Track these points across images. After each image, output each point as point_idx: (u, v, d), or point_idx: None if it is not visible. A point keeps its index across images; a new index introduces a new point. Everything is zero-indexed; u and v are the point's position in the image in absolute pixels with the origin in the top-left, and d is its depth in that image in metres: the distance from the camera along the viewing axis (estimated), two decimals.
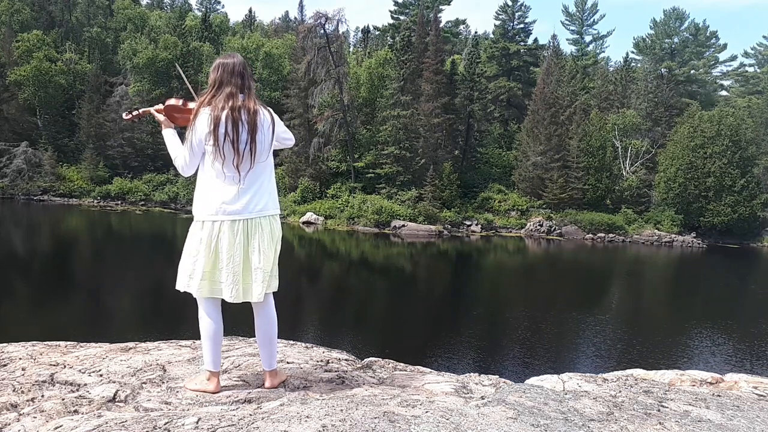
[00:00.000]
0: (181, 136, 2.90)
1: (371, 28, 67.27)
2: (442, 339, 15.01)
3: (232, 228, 2.73)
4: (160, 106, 3.00)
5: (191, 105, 2.90)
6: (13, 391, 2.68)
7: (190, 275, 2.79)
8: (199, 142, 2.73)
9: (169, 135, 2.91)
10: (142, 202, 43.69)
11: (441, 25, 49.03)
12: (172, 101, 2.98)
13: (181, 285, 2.84)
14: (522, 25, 54.76)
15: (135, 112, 3.15)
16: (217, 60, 2.86)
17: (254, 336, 3.04)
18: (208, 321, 2.83)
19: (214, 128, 2.69)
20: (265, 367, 2.93)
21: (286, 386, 2.94)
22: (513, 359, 14.14)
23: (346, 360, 3.57)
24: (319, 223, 38.52)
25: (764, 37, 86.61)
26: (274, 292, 2.95)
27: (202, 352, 2.86)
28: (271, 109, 2.91)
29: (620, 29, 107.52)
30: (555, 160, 40.18)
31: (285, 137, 3.02)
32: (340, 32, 44.22)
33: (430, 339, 15.19)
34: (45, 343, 3.63)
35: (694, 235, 39.66)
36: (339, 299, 20.39)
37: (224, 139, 2.69)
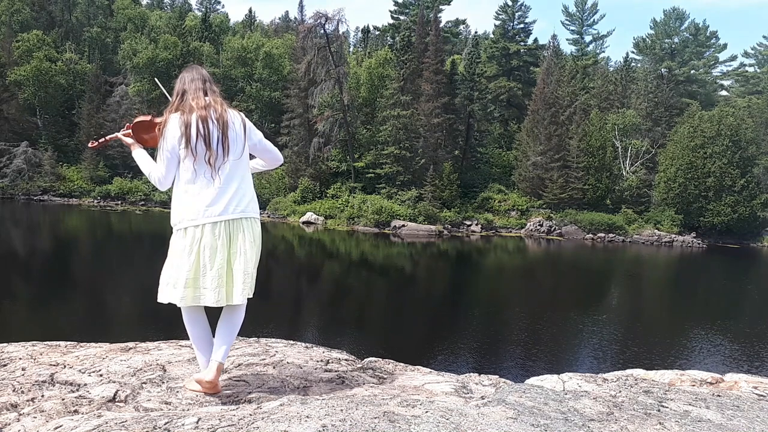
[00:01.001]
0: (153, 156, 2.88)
1: (371, 28, 67.31)
2: (442, 339, 15.01)
3: (214, 231, 2.71)
4: (128, 131, 2.97)
5: (159, 119, 2.89)
6: (13, 391, 2.68)
7: (174, 285, 2.74)
8: (172, 148, 2.72)
9: (139, 154, 2.91)
10: (142, 202, 43.71)
11: (441, 25, 49.03)
12: (140, 117, 2.96)
13: (163, 297, 2.78)
14: (522, 25, 54.80)
15: (101, 140, 3.13)
16: (180, 74, 2.92)
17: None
18: (194, 326, 2.82)
19: (185, 128, 2.70)
20: (221, 358, 2.73)
21: (286, 385, 2.93)
22: (513, 359, 14.14)
23: (346, 360, 3.57)
24: (319, 223, 38.52)
25: (764, 37, 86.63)
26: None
27: (196, 354, 2.86)
28: (242, 114, 2.93)
29: (620, 29, 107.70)
30: (555, 160, 40.18)
31: (264, 148, 2.99)
32: (340, 32, 44.22)
33: (430, 339, 15.18)
34: (45, 343, 3.63)
35: (694, 235, 39.67)
36: (339, 299, 20.38)
37: (196, 137, 2.70)
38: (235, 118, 2.84)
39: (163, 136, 2.74)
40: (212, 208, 2.72)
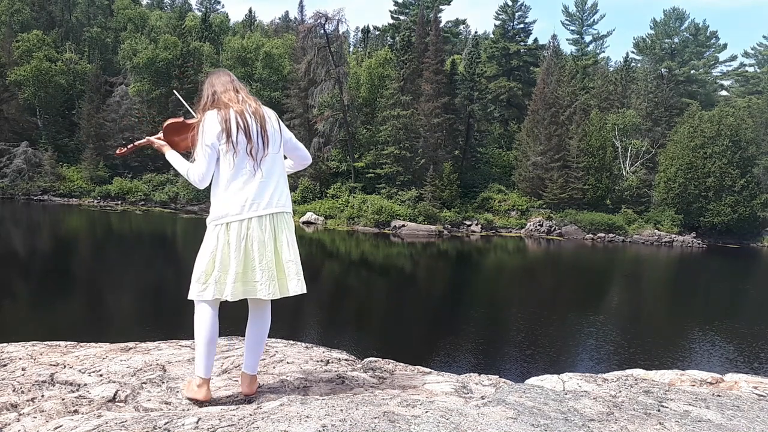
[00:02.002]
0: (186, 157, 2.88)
1: (371, 28, 67.28)
2: (442, 339, 15.01)
3: (260, 224, 2.71)
4: (160, 135, 2.95)
5: (191, 120, 2.89)
6: (13, 391, 2.68)
7: (219, 281, 2.68)
8: (212, 143, 2.70)
9: (172, 155, 2.89)
10: (142, 202, 43.69)
11: (441, 25, 49.03)
12: (170, 120, 2.95)
13: (207, 293, 2.70)
14: (522, 25, 54.80)
15: (130, 146, 3.07)
16: (207, 78, 2.94)
17: None
18: (208, 326, 2.73)
19: (225, 123, 2.70)
20: (249, 370, 2.81)
21: (286, 385, 2.93)
22: (513, 359, 14.14)
23: (346, 360, 3.57)
24: (319, 223, 38.53)
25: (764, 37, 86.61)
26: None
27: (196, 356, 2.75)
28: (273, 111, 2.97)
29: (620, 29, 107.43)
30: (555, 160, 40.18)
31: (298, 148, 3.05)
32: (340, 32, 44.21)
33: (430, 339, 15.19)
34: (45, 343, 3.63)
35: (694, 235, 39.67)
36: (339, 299, 20.38)
37: (237, 130, 2.71)
38: (270, 113, 2.90)
39: (202, 132, 2.72)
40: (257, 201, 2.72)
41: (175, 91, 3.78)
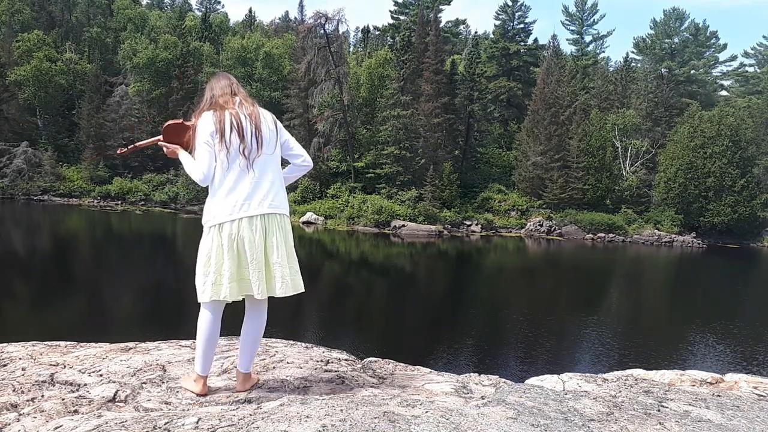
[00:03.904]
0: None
1: (371, 28, 67.30)
2: (442, 339, 15.01)
3: (251, 225, 2.73)
4: (160, 137, 2.97)
5: (190, 122, 2.91)
6: (13, 391, 2.68)
7: (216, 282, 2.73)
8: (206, 141, 2.74)
9: (182, 155, 2.90)
10: (142, 202, 43.69)
11: (441, 25, 49.04)
12: (170, 121, 2.99)
13: (205, 296, 2.75)
14: (522, 25, 54.82)
15: (131, 146, 3.14)
16: (209, 82, 2.98)
17: None
18: (210, 325, 2.80)
19: (219, 123, 2.74)
20: (242, 368, 2.88)
21: (286, 385, 2.94)
22: (513, 359, 14.13)
23: (346, 360, 3.57)
24: (319, 223, 38.53)
25: (764, 37, 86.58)
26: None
27: (195, 354, 2.83)
28: (272, 113, 2.99)
29: (620, 29, 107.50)
30: (555, 160, 40.18)
31: (297, 152, 3.00)
32: (340, 32, 44.21)
33: (430, 339, 15.18)
34: (45, 343, 3.63)
35: (694, 235, 39.68)
36: (339, 299, 20.38)
37: (230, 129, 2.74)
38: (266, 115, 2.91)
39: (198, 133, 2.77)
40: (248, 202, 2.74)
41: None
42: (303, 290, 2.88)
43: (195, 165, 2.78)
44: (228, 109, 2.79)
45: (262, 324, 2.93)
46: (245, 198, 2.74)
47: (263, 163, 2.81)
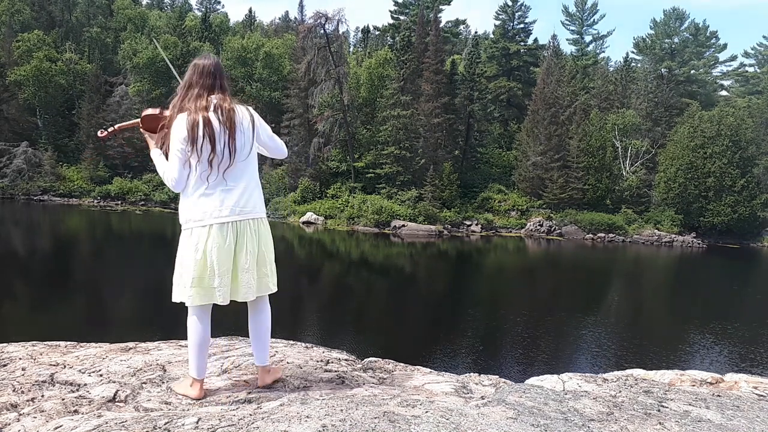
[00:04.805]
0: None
1: (371, 28, 67.29)
2: (442, 339, 15.01)
3: (221, 231, 2.71)
4: (138, 121, 2.99)
5: (166, 113, 2.89)
6: (13, 391, 2.68)
7: (183, 285, 2.75)
8: (180, 149, 2.69)
9: (156, 155, 2.89)
10: (142, 202, 43.69)
11: (441, 25, 49.02)
12: (149, 111, 2.98)
13: (175, 296, 2.80)
14: (522, 25, 54.80)
15: (110, 129, 3.14)
16: (192, 61, 2.89)
17: None
18: (197, 329, 2.78)
19: (191, 129, 2.67)
20: (258, 363, 2.89)
21: (286, 385, 2.93)
22: (513, 359, 14.13)
23: (346, 360, 3.57)
24: (319, 223, 38.52)
25: (764, 37, 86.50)
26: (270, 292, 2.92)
27: (189, 357, 2.80)
28: (251, 108, 2.88)
29: (620, 29, 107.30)
30: (555, 160, 40.18)
31: (273, 145, 2.96)
32: (340, 32, 44.21)
33: (430, 339, 15.18)
34: (45, 343, 3.63)
35: (694, 235, 39.66)
36: (339, 299, 20.38)
37: (203, 138, 2.68)
38: (243, 117, 2.79)
39: (172, 137, 2.73)
40: (219, 209, 2.72)
41: (169, 64, 3.81)
42: (272, 291, 2.87)
43: (167, 170, 2.76)
44: (201, 113, 2.70)
45: (267, 318, 2.93)
46: (217, 204, 2.72)
47: (236, 171, 2.76)
